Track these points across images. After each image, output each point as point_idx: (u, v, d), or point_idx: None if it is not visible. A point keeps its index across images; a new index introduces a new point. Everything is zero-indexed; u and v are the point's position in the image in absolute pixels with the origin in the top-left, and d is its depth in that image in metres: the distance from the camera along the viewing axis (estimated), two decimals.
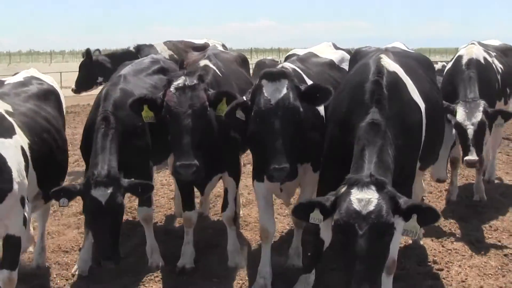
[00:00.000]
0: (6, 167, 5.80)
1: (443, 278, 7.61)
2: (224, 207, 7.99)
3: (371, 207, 4.93)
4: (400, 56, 7.33)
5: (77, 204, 9.38)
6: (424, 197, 10.52)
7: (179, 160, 6.53)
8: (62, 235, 9.31)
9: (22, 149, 6.22)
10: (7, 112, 6.46)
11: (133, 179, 6.80)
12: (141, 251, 8.24)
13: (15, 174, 5.87)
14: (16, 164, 5.96)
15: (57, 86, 8.22)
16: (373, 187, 5.06)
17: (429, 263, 8.07)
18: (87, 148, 7.40)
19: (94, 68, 14.21)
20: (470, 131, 8.99)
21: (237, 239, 8.12)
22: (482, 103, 9.15)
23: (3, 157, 5.80)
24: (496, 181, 12.26)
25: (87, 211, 6.63)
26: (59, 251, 8.61)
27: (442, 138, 7.88)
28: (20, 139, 6.27)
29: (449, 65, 10.63)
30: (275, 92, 6.39)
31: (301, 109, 6.44)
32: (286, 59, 9.57)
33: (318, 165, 7.12)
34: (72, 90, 14.78)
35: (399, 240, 6.50)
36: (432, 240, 8.86)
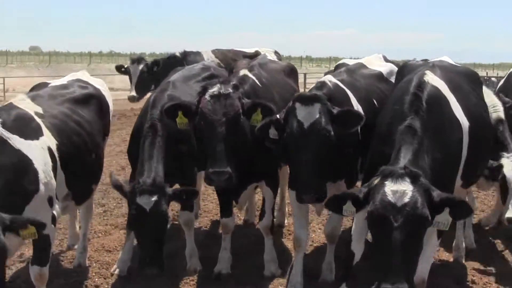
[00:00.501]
0: (33, 168, 5.92)
1: None
2: (262, 216, 8.04)
3: (406, 199, 4.98)
4: (447, 71, 7.26)
5: (126, 205, 9.57)
6: (474, 216, 10.31)
7: (212, 167, 6.61)
8: (108, 235, 9.53)
9: (50, 149, 6.32)
10: (36, 113, 6.60)
11: (178, 187, 7.02)
12: (181, 254, 8.31)
13: (41, 175, 5.98)
14: (42, 164, 6.07)
15: (105, 90, 8.40)
16: (407, 179, 5.10)
17: (467, 283, 7.91)
18: (132, 153, 7.61)
19: (150, 75, 14.40)
20: None
21: (273, 248, 8.10)
22: None
23: (29, 159, 5.92)
24: None
25: (132, 217, 6.82)
26: (102, 250, 8.82)
27: (488, 157, 7.75)
28: (48, 140, 6.39)
29: (501, 82, 10.41)
30: (308, 116, 6.47)
31: (332, 133, 6.49)
32: (336, 68, 9.58)
33: (352, 181, 7.13)
34: (130, 98, 14.87)
35: (430, 260, 6.41)
36: (475, 259, 8.67)
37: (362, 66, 8.89)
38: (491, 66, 77.51)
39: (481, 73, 45.32)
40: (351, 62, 9.61)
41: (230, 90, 6.93)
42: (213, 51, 13.72)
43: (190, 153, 7.67)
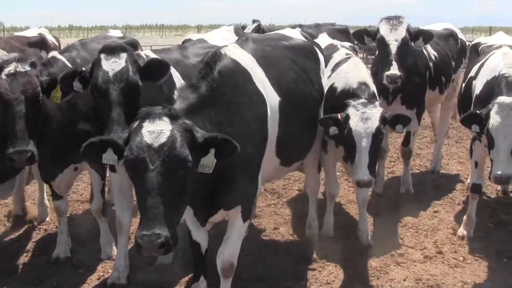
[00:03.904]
0: None
1: (309, 279, 7.30)
2: (91, 199, 7.83)
3: (163, 139, 4.77)
4: (263, 45, 7.07)
5: None
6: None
7: (13, 147, 6.33)
8: None
9: None
10: None
11: None
12: None
13: None
14: None
15: None
16: (166, 119, 4.91)
17: (307, 262, 7.73)
18: None
19: None
20: (393, 46, 8.80)
21: (109, 230, 7.94)
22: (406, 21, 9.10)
23: None
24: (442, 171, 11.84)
25: None
26: None
27: (312, 132, 7.54)
28: None
29: None
30: (114, 65, 6.31)
31: (140, 83, 6.34)
32: (183, 43, 9.32)
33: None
34: None
35: (237, 243, 6.21)
36: (326, 237, 8.49)
37: (202, 41, 8.69)
38: None
39: None
40: (196, 37, 9.39)
41: (27, 68, 6.66)
42: None
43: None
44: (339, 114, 7.23)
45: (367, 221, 8.48)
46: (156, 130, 4.81)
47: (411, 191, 10.37)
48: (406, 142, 10.26)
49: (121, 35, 9.39)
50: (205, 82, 5.71)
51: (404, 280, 7.27)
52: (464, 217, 8.61)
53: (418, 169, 11.90)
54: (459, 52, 11.09)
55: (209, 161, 5.04)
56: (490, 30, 60.80)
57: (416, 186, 10.61)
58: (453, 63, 10.80)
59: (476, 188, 8.44)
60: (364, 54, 27.32)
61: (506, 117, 7.01)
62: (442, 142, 12.03)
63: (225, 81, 5.84)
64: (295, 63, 7.23)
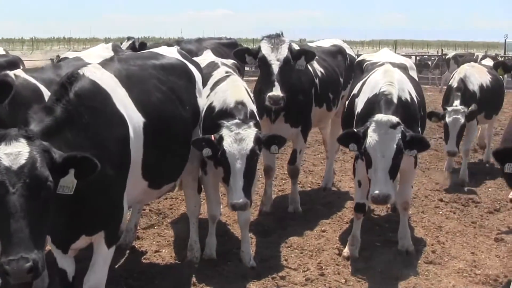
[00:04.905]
0: None
1: None
2: None
3: (22, 161, 4.59)
4: (129, 65, 6.84)
5: None
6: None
7: None
8: None
9: None
10: None
11: None
12: None
13: None
14: None
15: None
16: (23, 140, 4.73)
17: (186, 286, 7.42)
18: None
19: None
20: (275, 66, 8.67)
21: None
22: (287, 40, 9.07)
23: None
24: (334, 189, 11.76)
25: None
26: None
27: (183, 154, 7.34)
28: None
29: None
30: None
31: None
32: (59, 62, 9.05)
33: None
34: None
35: (106, 266, 6.00)
36: (209, 259, 8.19)
37: (78, 59, 8.48)
38: (361, 43, 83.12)
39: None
40: (72, 55, 9.09)
41: None
42: None
43: None
44: (212, 135, 7.03)
45: (250, 242, 8.24)
46: (14, 152, 4.64)
47: (299, 209, 10.17)
48: (293, 160, 10.12)
49: (3, 52, 8.99)
50: (60, 104, 5.49)
51: None
52: (349, 237, 8.47)
53: (310, 187, 11.83)
54: (348, 69, 11.02)
55: (69, 182, 4.92)
56: (395, 44, 62.70)
57: (306, 204, 10.46)
58: (342, 80, 10.73)
59: (359, 208, 8.33)
60: None
61: (383, 135, 6.94)
62: (333, 158, 11.95)
63: (82, 103, 5.63)
64: (163, 83, 7.01)
